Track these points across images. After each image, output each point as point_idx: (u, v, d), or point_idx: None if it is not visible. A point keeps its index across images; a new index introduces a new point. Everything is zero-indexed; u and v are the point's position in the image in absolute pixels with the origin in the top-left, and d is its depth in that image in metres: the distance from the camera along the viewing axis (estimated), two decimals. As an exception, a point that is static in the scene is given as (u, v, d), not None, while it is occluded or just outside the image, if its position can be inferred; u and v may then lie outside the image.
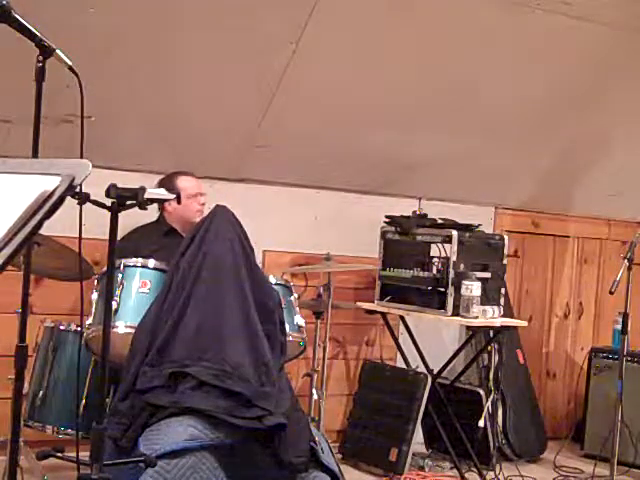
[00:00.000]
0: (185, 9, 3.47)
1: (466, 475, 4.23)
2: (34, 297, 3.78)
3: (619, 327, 4.34)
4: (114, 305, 3.06)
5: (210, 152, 4.23)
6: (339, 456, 4.36)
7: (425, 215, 4.51)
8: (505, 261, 4.28)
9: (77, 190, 1.93)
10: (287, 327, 3.35)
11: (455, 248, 4.07)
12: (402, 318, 4.52)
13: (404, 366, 4.48)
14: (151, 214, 3.90)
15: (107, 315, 2.35)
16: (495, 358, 4.71)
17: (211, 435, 2.82)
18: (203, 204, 3.91)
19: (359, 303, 4.51)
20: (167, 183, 3.90)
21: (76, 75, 2.12)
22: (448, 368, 4.46)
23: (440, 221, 4.41)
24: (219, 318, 3.04)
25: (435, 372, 4.36)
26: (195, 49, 3.66)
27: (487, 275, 4.16)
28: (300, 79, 3.86)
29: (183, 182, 3.89)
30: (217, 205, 3.33)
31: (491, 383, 4.56)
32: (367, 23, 3.70)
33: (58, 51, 2.14)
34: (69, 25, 3.26)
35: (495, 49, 3.99)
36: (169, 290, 3.12)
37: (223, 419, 2.84)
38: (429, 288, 4.14)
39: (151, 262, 3.28)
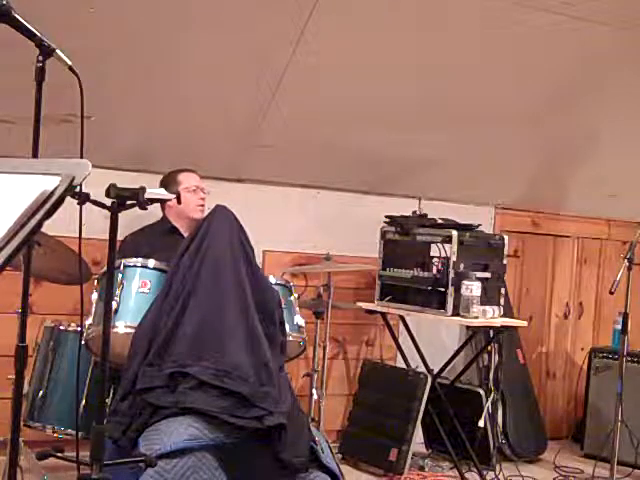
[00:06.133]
0: (185, 9, 3.47)
1: (466, 475, 4.24)
2: (34, 297, 3.79)
3: (619, 327, 4.34)
4: (114, 305, 3.06)
5: (210, 152, 4.23)
6: (339, 456, 4.37)
7: (425, 215, 4.52)
8: (505, 261, 4.28)
9: (77, 190, 1.94)
10: (287, 327, 3.35)
11: (455, 248, 4.07)
12: (402, 318, 4.52)
13: (404, 366, 4.48)
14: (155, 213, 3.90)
15: (107, 315, 2.35)
16: (495, 358, 4.71)
17: (211, 435, 2.82)
18: (203, 199, 3.94)
19: (359, 303, 4.51)
20: (169, 179, 3.93)
21: (76, 75, 2.12)
22: (448, 368, 4.46)
23: (440, 221, 4.41)
24: (219, 318, 3.04)
25: (435, 372, 4.36)
26: (195, 49, 3.65)
27: (487, 275, 4.16)
28: (300, 79, 3.86)
29: (184, 177, 3.94)
30: (217, 205, 3.33)
31: (491, 383, 4.57)
32: (367, 23, 3.70)
33: (58, 51, 2.14)
34: (69, 25, 3.26)
35: (495, 49, 3.99)
36: (169, 290, 3.12)
37: (223, 419, 2.84)
38: (429, 288, 4.14)
39: (151, 262, 3.28)
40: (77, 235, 2.33)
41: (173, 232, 3.93)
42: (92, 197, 2.13)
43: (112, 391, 3.19)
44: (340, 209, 4.75)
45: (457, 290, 4.03)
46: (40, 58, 2.13)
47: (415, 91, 4.16)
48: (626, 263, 3.75)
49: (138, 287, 3.21)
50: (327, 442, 3.32)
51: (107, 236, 2.30)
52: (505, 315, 4.29)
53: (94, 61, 3.31)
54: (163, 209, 3.98)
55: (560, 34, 3.95)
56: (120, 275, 3.17)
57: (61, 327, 3.43)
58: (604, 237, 5.65)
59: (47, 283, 3.79)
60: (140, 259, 3.28)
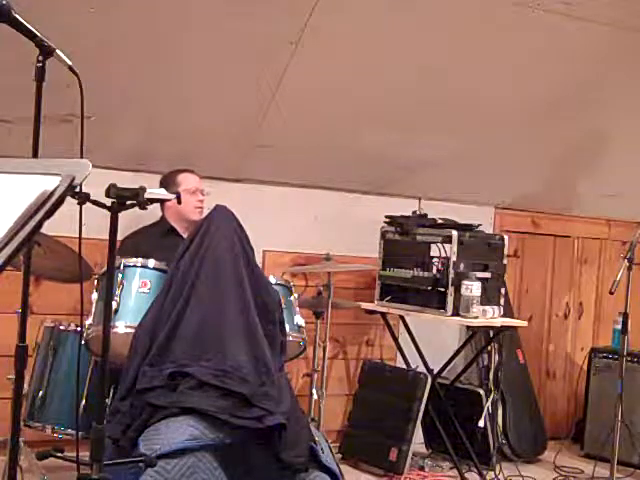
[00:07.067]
0: (185, 9, 3.47)
1: (466, 475, 4.24)
2: (34, 297, 3.79)
3: (619, 327, 4.34)
4: (114, 305, 3.06)
5: (210, 152, 4.23)
6: (339, 456, 4.36)
7: (425, 215, 4.51)
8: (505, 261, 4.28)
9: (77, 190, 1.93)
10: (287, 327, 3.35)
11: (455, 248, 4.08)
12: (402, 318, 4.52)
13: (404, 366, 4.48)
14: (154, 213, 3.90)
15: (107, 315, 2.35)
16: (495, 358, 4.71)
17: (211, 435, 2.82)
18: (202, 201, 3.94)
19: (359, 303, 4.51)
20: (168, 180, 3.93)
21: (76, 75, 2.12)
22: (448, 368, 4.46)
23: (440, 221, 4.41)
24: (219, 318, 3.04)
25: (435, 372, 4.36)
26: (195, 49, 3.66)
27: (487, 275, 4.16)
28: (300, 79, 3.86)
29: (183, 178, 3.94)
30: (217, 205, 3.33)
31: (491, 383, 4.57)
32: (367, 23, 3.70)
33: (58, 51, 2.14)
34: (69, 25, 3.26)
35: (495, 49, 3.99)
36: (169, 290, 3.12)
37: (223, 419, 2.84)
38: (429, 288, 4.14)
39: (151, 262, 3.28)
40: (77, 235, 2.33)
41: (172, 232, 3.93)
42: (92, 197, 2.13)
43: (112, 391, 3.19)
44: (340, 209, 4.75)
45: (457, 290, 4.03)
46: (40, 58, 2.13)
47: (415, 91, 4.16)
48: (626, 263, 3.75)
49: (138, 287, 3.21)
50: (327, 442, 3.32)
51: (107, 236, 2.30)
52: (505, 315, 4.29)
53: (94, 61, 3.31)
54: (162, 209, 3.98)
55: (560, 34, 3.96)
56: (120, 275, 3.17)
57: (61, 327, 3.42)
58: (604, 237, 5.65)
59: (47, 283, 3.79)
60: (140, 259, 3.28)
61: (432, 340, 4.78)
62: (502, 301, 4.21)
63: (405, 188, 4.86)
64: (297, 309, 3.56)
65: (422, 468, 4.38)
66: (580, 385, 5.14)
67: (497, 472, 4.31)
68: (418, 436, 4.42)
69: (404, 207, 4.63)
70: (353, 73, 3.96)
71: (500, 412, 4.73)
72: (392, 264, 4.36)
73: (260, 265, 3.83)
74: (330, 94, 4.05)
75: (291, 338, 3.42)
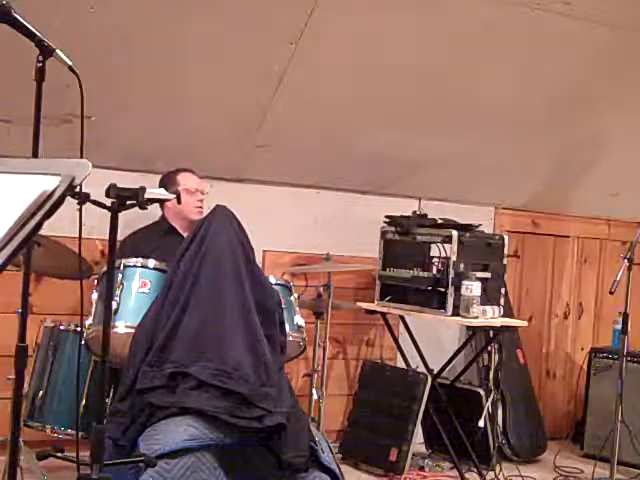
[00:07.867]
0: (185, 9, 3.47)
1: (466, 475, 4.23)
2: (34, 297, 3.78)
3: (619, 327, 4.34)
4: (114, 305, 3.06)
5: (210, 152, 4.23)
6: (339, 456, 4.36)
7: (425, 215, 4.51)
8: (505, 261, 4.28)
9: (77, 190, 1.93)
10: (287, 327, 3.35)
11: (455, 248, 4.07)
12: (402, 318, 4.52)
13: (404, 366, 4.48)
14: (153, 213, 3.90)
15: (107, 315, 2.35)
16: (495, 358, 4.71)
17: (211, 435, 2.82)
18: (202, 201, 3.94)
19: (359, 303, 4.51)
20: (167, 179, 3.93)
21: (76, 75, 2.12)
22: (448, 368, 4.46)
23: (440, 221, 4.41)
24: (219, 318, 3.04)
25: (435, 372, 4.35)
26: (195, 49, 3.66)
27: (487, 275, 4.16)
28: (300, 79, 3.86)
29: (182, 178, 3.94)
30: (217, 205, 3.33)
31: (491, 383, 4.56)
32: (367, 23, 3.70)
33: (58, 51, 2.14)
34: (69, 25, 3.26)
35: (495, 49, 3.99)
36: (169, 290, 3.12)
37: (223, 419, 2.84)
38: (429, 288, 4.14)
39: (151, 262, 3.28)
40: (77, 235, 2.33)
41: (172, 232, 3.93)
42: (92, 197, 2.13)
43: (112, 391, 3.19)
44: (340, 209, 4.75)
45: (457, 290, 4.03)
46: (40, 58, 2.13)
47: (415, 91, 4.16)
48: (626, 263, 3.74)
49: (138, 287, 3.21)
50: (327, 442, 3.31)
51: (107, 236, 2.30)
52: (505, 315, 4.28)
53: (94, 61, 3.31)
54: (162, 209, 3.98)
55: (560, 34, 3.96)
56: (120, 275, 3.17)
57: (61, 327, 3.43)
58: (604, 237, 5.65)
59: (47, 283, 3.79)
60: (140, 259, 3.28)
61: (432, 340, 4.79)
62: (502, 301, 4.21)
63: (405, 188, 4.86)
64: (297, 309, 3.56)
65: (422, 468, 4.38)
66: (580, 385, 5.14)
67: (497, 472, 4.30)
68: (418, 436, 4.42)
69: (404, 207, 4.63)
70: (353, 73, 3.96)
71: (500, 412, 4.73)
72: (392, 264, 4.36)
73: (260, 265, 3.83)
74: (330, 94, 4.05)
75: (291, 338, 3.42)
